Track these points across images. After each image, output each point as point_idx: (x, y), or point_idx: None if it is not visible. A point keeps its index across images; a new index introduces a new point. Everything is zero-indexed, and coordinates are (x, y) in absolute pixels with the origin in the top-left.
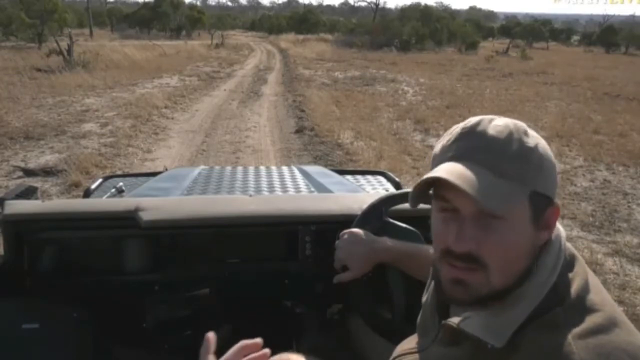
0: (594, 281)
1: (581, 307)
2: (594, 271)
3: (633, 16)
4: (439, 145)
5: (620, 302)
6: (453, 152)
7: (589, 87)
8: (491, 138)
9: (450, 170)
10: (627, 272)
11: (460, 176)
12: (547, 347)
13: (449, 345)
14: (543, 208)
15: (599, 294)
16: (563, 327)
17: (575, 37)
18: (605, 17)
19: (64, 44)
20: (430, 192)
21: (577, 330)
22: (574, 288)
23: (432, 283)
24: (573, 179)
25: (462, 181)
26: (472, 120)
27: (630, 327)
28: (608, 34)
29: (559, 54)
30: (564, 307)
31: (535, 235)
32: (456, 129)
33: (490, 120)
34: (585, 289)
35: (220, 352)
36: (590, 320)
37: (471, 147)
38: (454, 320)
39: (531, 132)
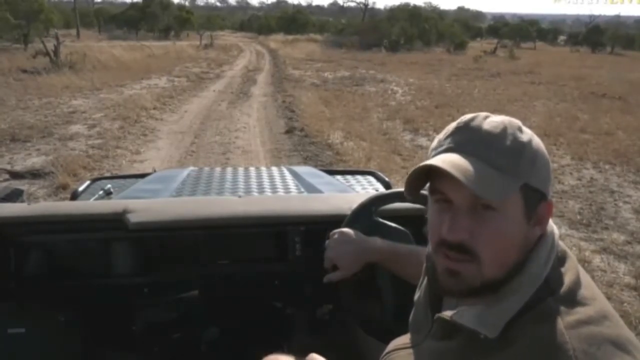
0: (585, 277)
1: (572, 300)
2: (582, 268)
3: (618, 16)
4: (435, 139)
5: (608, 298)
6: (447, 145)
7: (576, 86)
8: (485, 132)
9: (443, 159)
10: (614, 269)
11: (454, 165)
12: (541, 338)
13: (442, 339)
14: (536, 202)
15: (590, 289)
16: (555, 317)
17: (562, 37)
18: (591, 17)
19: (50, 45)
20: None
21: (569, 320)
22: (566, 282)
23: (425, 280)
24: (560, 178)
25: (455, 169)
26: (467, 116)
27: (620, 321)
28: (594, 34)
29: (546, 54)
30: (555, 298)
31: (528, 228)
32: (453, 124)
33: (486, 117)
34: (576, 283)
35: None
36: (581, 312)
37: (465, 139)
38: (447, 313)
39: (525, 129)
